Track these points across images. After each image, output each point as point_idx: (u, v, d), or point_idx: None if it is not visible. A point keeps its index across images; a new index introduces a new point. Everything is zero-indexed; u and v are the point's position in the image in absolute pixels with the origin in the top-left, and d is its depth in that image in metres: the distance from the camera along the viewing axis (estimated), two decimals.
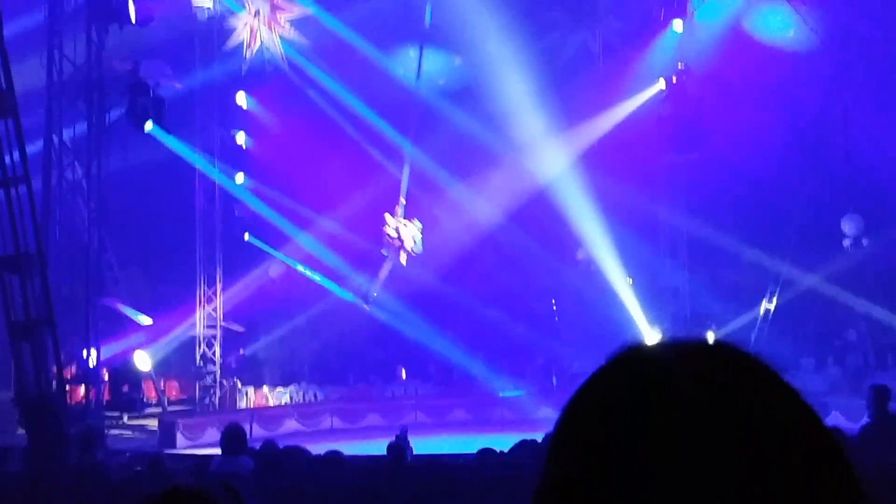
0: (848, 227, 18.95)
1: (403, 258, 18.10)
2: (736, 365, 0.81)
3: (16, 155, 9.81)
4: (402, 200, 18.28)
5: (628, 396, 0.79)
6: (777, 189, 18.47)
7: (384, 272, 18.10)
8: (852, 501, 0.78)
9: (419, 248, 18.28)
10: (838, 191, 18.77)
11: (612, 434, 0.77)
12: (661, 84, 18.46)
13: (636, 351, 0.83)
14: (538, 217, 18.65)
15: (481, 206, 19.20)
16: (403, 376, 19.45)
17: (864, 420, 9.82)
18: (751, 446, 0.75)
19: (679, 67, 18.63)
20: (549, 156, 18.39)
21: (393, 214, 18.45)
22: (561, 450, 0.81)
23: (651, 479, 0.75)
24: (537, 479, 0.82)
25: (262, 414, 16.79)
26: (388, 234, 18.25)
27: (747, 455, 0.74)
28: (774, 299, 18.51)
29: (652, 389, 0.78)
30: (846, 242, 18.98)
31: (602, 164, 18.04)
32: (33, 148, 13.71)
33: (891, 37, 17.44)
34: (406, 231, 18.15)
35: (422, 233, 18.34)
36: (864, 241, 18.82)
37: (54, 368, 9.22)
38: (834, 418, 13.39)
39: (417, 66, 18.77)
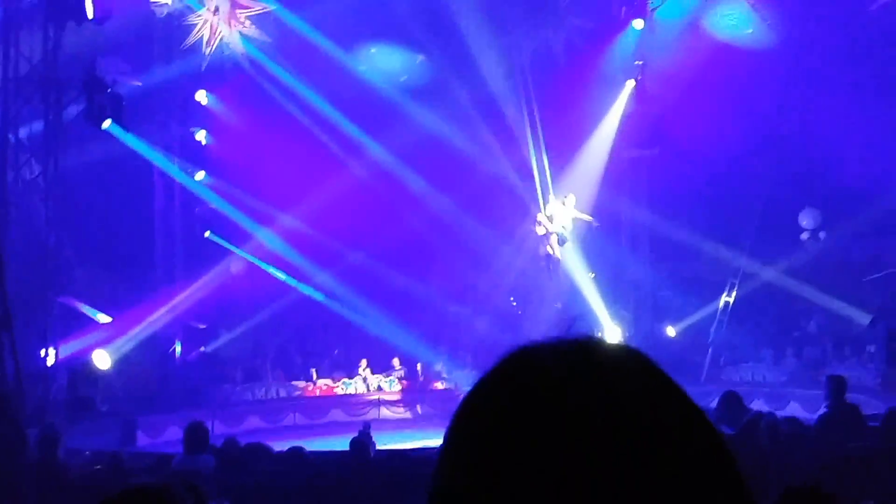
0: (805, 221, 19.22)
1: (557, 251, 17.71)
2: (615, 365, 0.81)
3: None
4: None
5: (505, 402, 0.79)
6: (736, 184, 18.67)
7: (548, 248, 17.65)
8: (736, 497, 0.78)
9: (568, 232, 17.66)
10: (796, 186, 19.02)
11: (487, 441, 0.78)
12: (630, 84, 18.64)
13: (518, 356, 0.84)
14: (501, 211, 18.71)
15: (443, 201, 19.23)
16: (363, 371, 19.38)
17: (822, 410, 9.96)
18: (628, 447, 0.75)
19: (637, 64, 18.80)
20: (511, 151, 18.46)
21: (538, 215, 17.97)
22: (444, 457, 0.82)
23: (524, 485, 0.75)
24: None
25: (224, 411, 16.70)
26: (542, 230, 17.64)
27: (624, 455, 0.75)
28: (734, 292, 18.72)
29: (528, 395, 0.79)
30: (804, 236, 19.25)
31: (563, 157, 18.15)
32: None
33: (846, 36, 17.71)
34: (556, 222, 17.67)
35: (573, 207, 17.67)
36: (822, 235, 19.10)
37: (12, 368, 9.11)
38: (792, 408, 13.58)
39: None
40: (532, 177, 18.36)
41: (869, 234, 17.50)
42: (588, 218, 17.64)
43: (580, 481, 0.74)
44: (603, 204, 18.24)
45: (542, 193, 18.15)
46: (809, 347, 18.42)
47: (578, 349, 0.83)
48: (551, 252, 17.55)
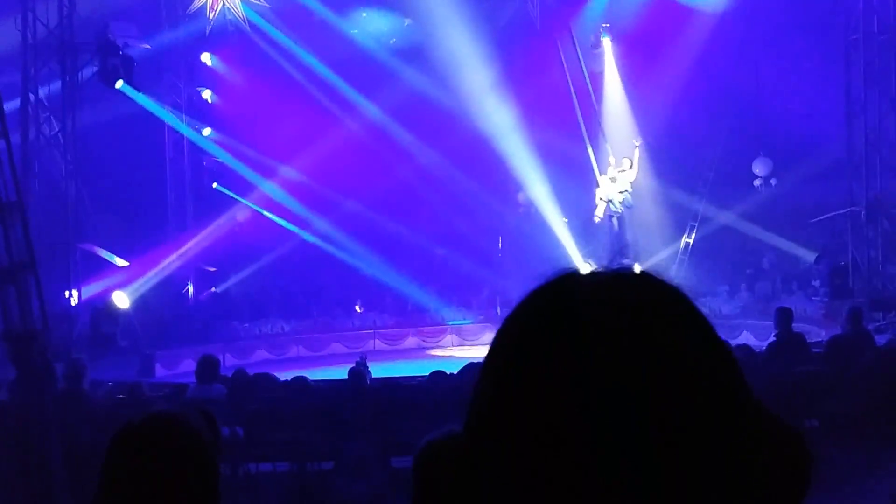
0: (758, 168, 19.26)
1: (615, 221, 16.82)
2: (651, 293, 0.80)
3: None
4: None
5: (547, 325, 0.78)
6: (695, 136, 18.65)
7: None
8: (752, 427, 0.78)
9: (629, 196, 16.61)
10: (749, 137, 19.03)
11: (529, 362, 0.77)
12: (608, 45, 18.58)
13: (561, 280, 0.82)
14: (483, 163, 18.65)
15: (431, 154, 19.14)
16: (359, 310, 19.47)
17: (771, 338, 10.06)
18: (660, 374, 0.74)
19: (604, 26, 18.69)
20: (493, 109, 18.34)
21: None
22: (486, 377, 0.80)
23: (564, 405, 0.74)
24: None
25: (234, 345, 16.75)
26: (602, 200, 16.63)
27: (657, 381, 0.74)
28: (693, 234, 18.81)
29: (569, 319, 0.77)
30: (757, 182, 19.29)
31: (539, 114, 18.05)
32: (11, 105, 13.36)
33: (794, 2, 17.67)
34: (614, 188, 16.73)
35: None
36: (773, 181, 19.15)
37: (38, 308, 9.08)
38: (745, 338, 13.71)
39: None
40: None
41: (815, 180, 17.54)
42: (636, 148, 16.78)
43: (608, 406, 0.73)
44: (574, 154, 18.18)
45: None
46: (761, 283, 18.56)
47: (618, 279, 0.81)
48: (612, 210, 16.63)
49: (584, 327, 0.76)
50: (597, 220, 16.81)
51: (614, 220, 16.61)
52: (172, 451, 1.97)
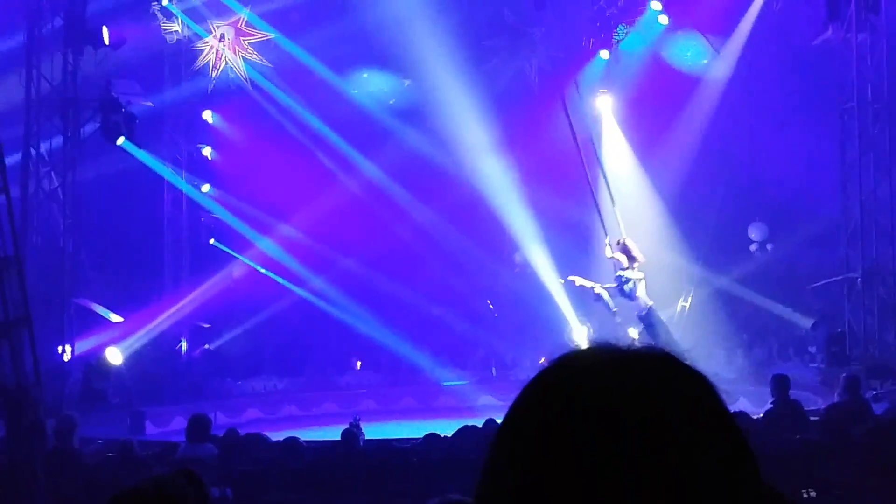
0: (754, 233, 19.36)
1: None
2: (669, 377, 0.80)
3: None
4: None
5: (558, 405, 0.78)
6: (691, 200, 18.79)
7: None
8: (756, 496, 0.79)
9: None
10: (745, 202, 19.16)
11: (540, 440, 0.77)
12: (607, 101, 18.79)
13: (570, 357, 0.83)
14: (480, 224, 18.75)
15: (428, 214, 19.25)
16: (358, 367, 19.38)
17: (768, 406, 10.02)
18: (673, 456, 0.75)
19: (602, 92, 18.94)
20: (491, 169, 18.51)
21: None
22: (496, 452, 0.81)
23: (574, 484, 0.74)
24: (479, 462, 0.82)
25: (225, 403, 16.62)
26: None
27: (669, 465, 0.74)
28: (690, 298, 18.82)
29: (580, 398, 0.78)
30: (753, 247, 19.39)
31: (536, 175, 18.22)
32: (12, 160, 13.46)
33: (788, 68, 17.97)
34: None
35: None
36: (769, 246, 19.23)
37: (31, 363, 9.05)
38: (741, 404, 13.63)
39: None
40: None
41: (811, 245, 17.63)
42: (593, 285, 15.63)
43: (623, 489, 0.73)
44: (571, 216, 18.28)
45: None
46: (757, 348, 18.51)
47: (631, 359, 0.81)
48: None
49: (597, 414, 0.76)
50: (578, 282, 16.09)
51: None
52: None
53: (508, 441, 0.80)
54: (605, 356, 0.82)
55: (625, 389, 0.77)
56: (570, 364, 0.82)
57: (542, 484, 0.75)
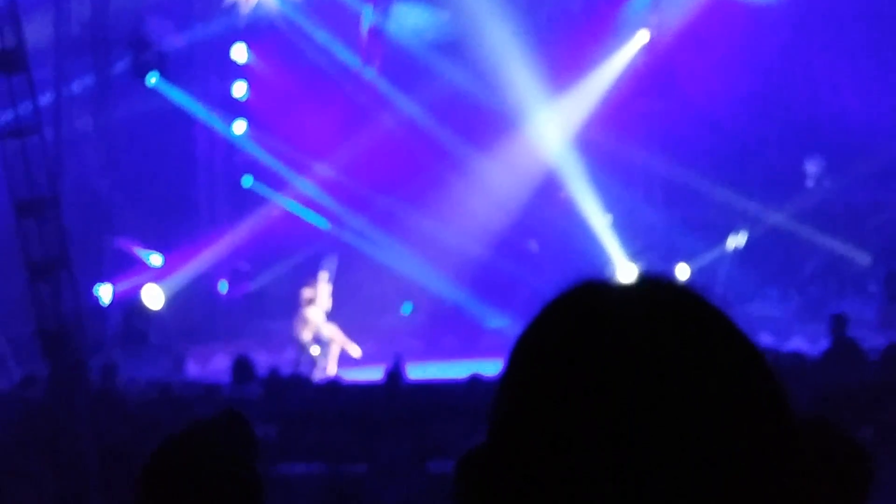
0: (811, 168, 19.02)
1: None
2: (678, 302, 0.79)
3: (29, 107, 9.72)
4: None
5: (571, 331, 0.78)
6: (745, 133, 18.47)
7: None
8: (785, 432, 0.77)
9: None
10: (801, 135, 18.79)
11: (553, 367, 0.76)
12: (644, 36, 18.36)
13: (584, 288, 0.82)
14: (523, 161, 18.62)
15: (468, 151, 19.15)
16: (405, 310, 19.51)
17: (824, 345, 9.96)
18: (688, 383, 0.73)
19: (652, 21, 18.55)
20: (533, 105, 18.30)
21: None
22: (506, 385, 0.80)
23: (587, 415, 0.73)
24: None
25: (266, 342, 16.88)
26: None
27: (683, 390, 0.73)
28: (743, 235, 18.61)
29: (595, 323, 0.77)
30: (809, 183, 19.06)
31: (584, 111, 18.01)
32: (44, 100, 13.59)
33: None
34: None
35: None
36: (826, 181, 18.90)
37: (71, 305, 9.22)
38: (795, 343, 13.56)
39: None
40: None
41: (870, 180, 17.29)
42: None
43: (635, 414, 0.73)
44: (619, 152, 18.10)
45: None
46: (813, 286, 18.32)
47: (644, 285, 0.81)
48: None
49: (607, 336, 0.76)
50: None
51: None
52: (212, 464, 2.01)
53: (520, 363, 0.80)
54: (611, 286, 0.81)
55: (643, 314, 0.77)
56: (586, 291, 0.81)
57: (547, 415, 0.75)
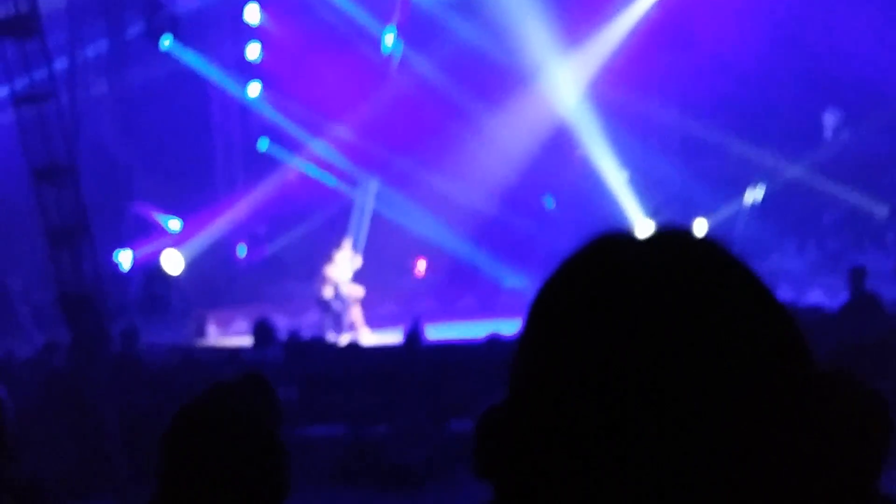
0: (829, 119, 18.81)
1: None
2: (697, 253, 0.78)
3: (43, 73, 9.70)
4: None
5: (590, 285, 0.76)
6: (763, 86, 18.25)
7: None
8: (805, 383, 0.76)
9: None
10: (819, 86, 18.55)
11: (572, 321, 0.76)
12: None
13: (603, 241, 0.81)
14: (538, 119, 18.50)
15: (483, 110, 19.04)
16: (419, 269, 19.53)
17: (843, 298, 9.91)
18: (709, 333, 0.73)
19: None
20: (549, 62, 18.13)
21: None
22: (526, 340, 0.79)
23: (608, 367, 0.73)
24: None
25: (286, 306, 16.97)
26: None
27: (705, 342, 0.72)
28: (760, 188, 18.48)
29: (614, 275, 0.76)
30: (827, 134, 18.86)
31: (598, 65, 17.83)
32: (59, 65, 13.57)
33: None
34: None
35: None
36: (844, 133, 18.70)
37: (91, 270, 9.28)
38: (814, 296, 13.50)
39: None
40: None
41: (890, 130, 17.08)
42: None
43: (656, 366, 0.72)
44: (634, 106, 17.94)
45: None
46: (831, 238, 18.21)
47: (663, 238, 0.80)
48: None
49: (626, 289, 0.75)
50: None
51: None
52: (236, 426, 2.02)
53: (539, 319, 0.79)
54: (630, 239, 0.80)
55: (662, 267, 0.76)
56: (604, 245, 0.80)
57: (573, 359, 0.74)
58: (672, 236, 0.80)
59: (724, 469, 0.71)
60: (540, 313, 0.80)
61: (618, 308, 0.74)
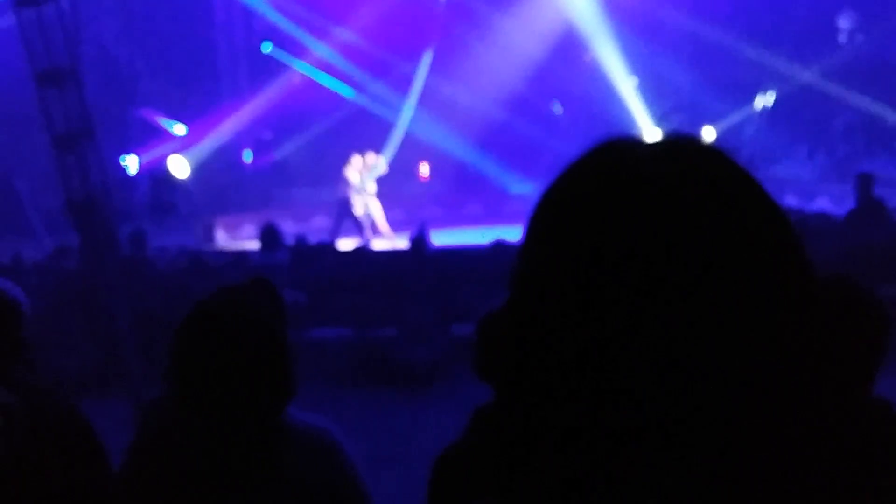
0: (843, 23, 18.40)
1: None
2: (700, 160, 0.78)
3: None
4: None
5: (596, 186, 0.77)
6: None
7: None
8: (805, 289, 0.76)
9: None
10: None
11: (573, 223, 0.76)
12: None
13: (610, 145, 0.81)
14: (547, 24, 18.14)
15: (491, 14, 18.66)
16: (422, 173, 19.48)
17: (850, 205, 9.88)
18: (709, 237, 0.73)
19: None
20: None
21: None
22: (527, 243, 0.80)
23: (606, 269, 0.73)
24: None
25: (292, 211, 17.00)
26: None
27: (705, 246, 0.73)
28: (772, 94, 18.22)
29: (619, 179, 0.76)
30: (841, 38, 18.48)
31: None
32: None
33: None
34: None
35: None
36: (859, 37, 18.32)
37: (98, 175, 9.26)
38: (822, 203, 13.45)
39: None
40: None
41: None
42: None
43: (655, 270, 0.72)
44: (644, 9, 17.56)
45: None
46: (842, 144, 18.04)
47: (667, 145, 0.80)
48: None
49: (629, 193, 0.75)
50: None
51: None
52: (243, 326, 2.06)
53: (540, 222, 0.80)
54: (645, 143, 0.80)
55: (665, 171, 0.76)
56: (609, 149, 0.80)
57: (572, 262, 0.75)
58: (677, 143, 0.80)
59: (720, 369, 0.72)
60: (541, 216, 0.80)
61: (618, 211, 0.74)
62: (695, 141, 0.81)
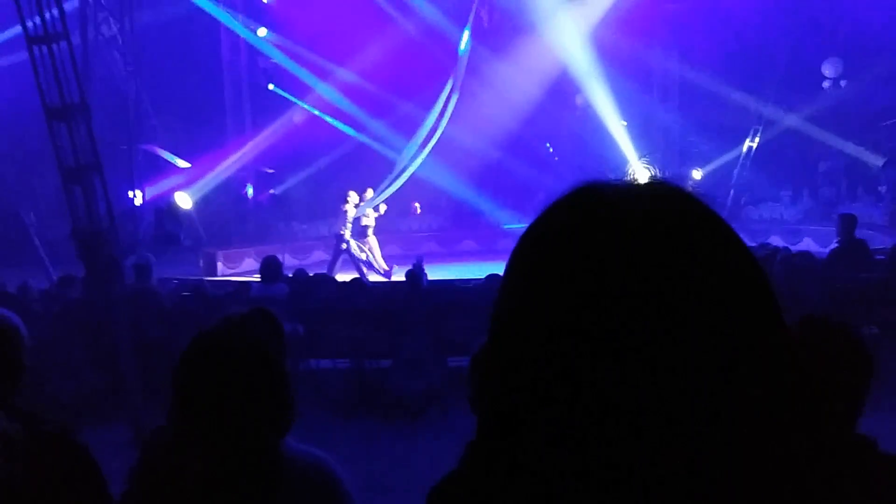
0: (828, 70, 18.59)
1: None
2: (672, 204, 0.78)
3: (55, 12, 9.57)
4: None
5: (570, 225, 0.77)
6: (762, 35, 18.01)
7: None
8: (771, 326, 0.76)
9: None
10: (819, 36, 18.31)
11: (545, 263, 0.76)
12: None
13: (586, 188, 0.81)
14: (540, 66, 18.30)
15: (487, 57, 18.82)
16: (417, 211, 19.54)
17: (833, 244, 9.91)
18: (675, 279, 0.73)
19: None
20: (552, 10, 17.89)
21: None
22: (509, 277, 0.80)
23: (583, 307, 0.73)
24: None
25: (292, 245, 17.02)
26: None
27: (671, 287, 0.73)
28: (757, 137, 18.35)
29: (592, 220, 0.77)
30: (826, 84, 18.65)
31: (599, 13, 17.57)
32: (70, 5, 13.39)
33: None
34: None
35: None
36: (843, 83, 18.49)
37: (104, 207, 9.28)
38: (806, 244, 13.49)
39: None
40: None
41: (888, 82, 16.90)
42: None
43: (634, 306, 0.72)
44: (635, 55, 17.74)
45: None
46: (825, 188, 18.15)
47: (642, 187, 0.81)
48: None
49: (600, 233, 0.76)
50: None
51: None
52: (245, 355, 2.06)
53: (518, 260, 0.80)
54: (624, 184, 0.81)
55: (637, 213, 0.76)
56: (585, 191, 0.81)
57: (545, 297, 0.75)
58: (650, 185, 0.81)
59: (690, 410, 0.72)
60: (519, 253, 0.81)
61: (590, 249, 0.75)
62: (669, 184, 0.81)
